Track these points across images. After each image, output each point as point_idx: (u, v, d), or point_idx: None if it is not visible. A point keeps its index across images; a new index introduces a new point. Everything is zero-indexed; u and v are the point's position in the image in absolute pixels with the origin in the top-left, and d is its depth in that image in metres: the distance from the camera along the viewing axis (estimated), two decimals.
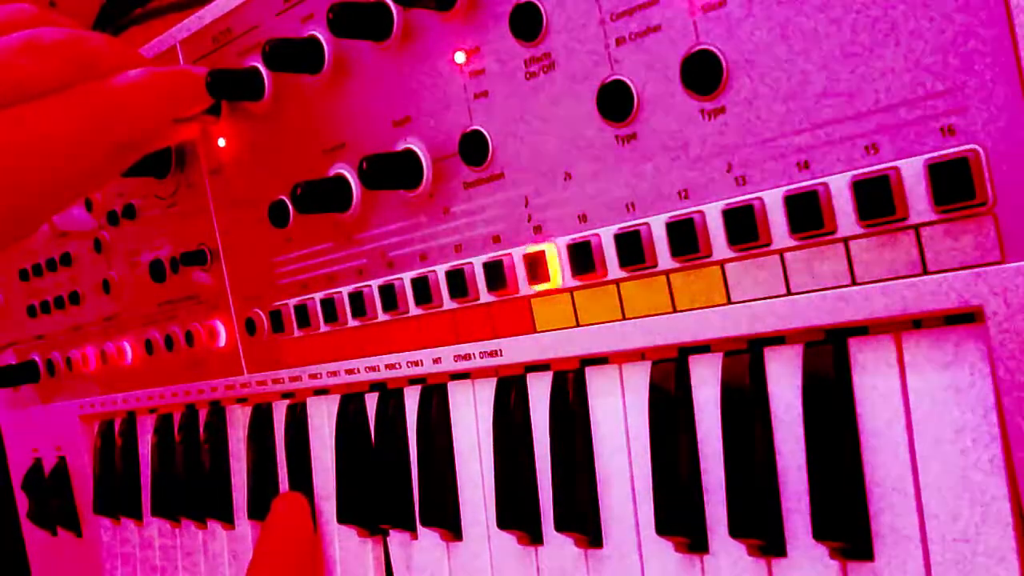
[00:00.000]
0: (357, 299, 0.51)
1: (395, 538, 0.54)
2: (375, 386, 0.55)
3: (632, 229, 0.40)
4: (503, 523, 0.47)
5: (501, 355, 0.46)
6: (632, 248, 0.40)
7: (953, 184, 0.31)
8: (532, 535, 0.46)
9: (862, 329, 0.36)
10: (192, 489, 0.66)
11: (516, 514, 0.46)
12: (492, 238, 0.45)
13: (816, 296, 0.35)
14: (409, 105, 0.48)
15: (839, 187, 0.34)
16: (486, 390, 0.48)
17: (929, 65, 0.32)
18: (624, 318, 0.41)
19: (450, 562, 0.51)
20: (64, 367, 0.77)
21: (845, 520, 0.35)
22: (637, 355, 0.43)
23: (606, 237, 0.41)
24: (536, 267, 0.43)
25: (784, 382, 0.38)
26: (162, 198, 0.64)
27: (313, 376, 0.56)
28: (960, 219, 0.32)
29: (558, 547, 0.45)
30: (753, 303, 0.37)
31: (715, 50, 0.37)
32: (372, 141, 0.50)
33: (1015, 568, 0.32)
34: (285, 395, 0.60)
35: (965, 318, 0.33)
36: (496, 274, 0.45)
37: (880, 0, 0.33)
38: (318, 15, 0.51)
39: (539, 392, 0.46)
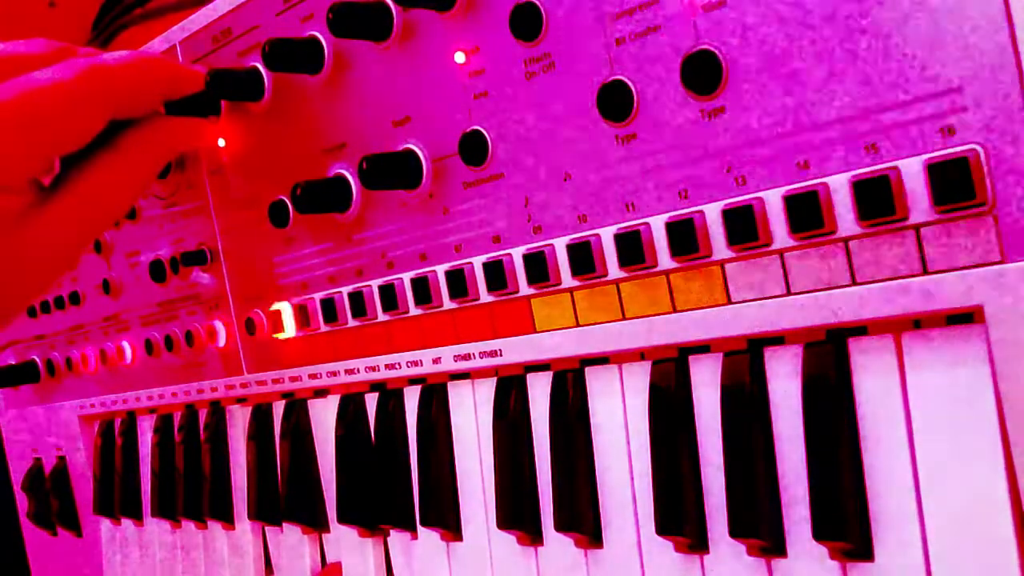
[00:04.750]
0: (357, 299, 0.51)
1: (395, 538, 0.54)
2: (375, 386, 0.55)
3: (632, 229, 0.40)
4: (503, 523, 0.47)
5: (501, 355, 0.46)
6: (632, 248, 0.40)
7: (953, 184, 0.31)
8: (532, 535, 0.46)
9: (862, 329, 0.36)
10: (192, 489, 0.66)
11: (516, 514, 0.46)
12: (492, 238, 0.45)
13: (816, 296, 0.35)
14: (409, 105, 0.48)
15: (839, 187, 0.34)
16: (486, 390, 0.48)
17: (929, 65, 0.32)
18: (624, 318, 0.41)
19: (450, 562, 0.51)
20: (64, 367, 0.77)
21: (845, 520, 0.35)
22: (637, 355, 0.43)
23: (606, 237, 0.41)
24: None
25: (784, 382, 0.38)
26: (162, 198, 0.64)
27: (313, 376, 0.56)
28: (960, 219, 0.32)
29: (558, 547, 0.45)
30: (753, 303, 0.37)
31: (715, 50, 0.37)
32: (372, 141, 0.50)
33: (1015, 568, 0.32)
34: (285, 395, 0.60)
35: (965, 318, 0.33)
36: (496, 274, 0.45)
37: None
38: (318, 15, 0.51)
39: (539, 392, 0.46)
